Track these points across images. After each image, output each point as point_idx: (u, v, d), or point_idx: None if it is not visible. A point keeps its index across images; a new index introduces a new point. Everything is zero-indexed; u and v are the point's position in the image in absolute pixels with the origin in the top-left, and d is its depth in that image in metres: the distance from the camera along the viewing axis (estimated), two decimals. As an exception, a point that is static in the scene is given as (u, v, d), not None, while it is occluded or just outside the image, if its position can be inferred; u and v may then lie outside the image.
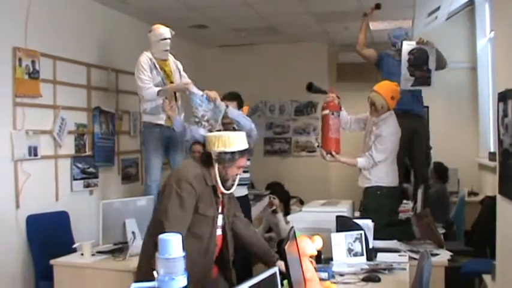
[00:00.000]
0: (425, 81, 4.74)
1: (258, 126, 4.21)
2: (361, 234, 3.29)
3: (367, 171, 4.09)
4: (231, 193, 2.84)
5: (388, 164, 4.10)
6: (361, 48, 5.26)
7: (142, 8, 5.46)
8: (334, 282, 2.81)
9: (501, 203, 3.35)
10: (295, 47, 7.57)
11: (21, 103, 4.14)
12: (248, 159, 3.65)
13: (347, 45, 7.00)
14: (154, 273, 1.56)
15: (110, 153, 5.28)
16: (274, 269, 2.06)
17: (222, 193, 2.75)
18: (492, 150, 6.00)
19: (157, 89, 4.52)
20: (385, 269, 3.03)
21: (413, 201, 4.79)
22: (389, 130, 4.10)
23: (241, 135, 2.76)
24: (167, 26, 4.71)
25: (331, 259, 3.21)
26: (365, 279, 2.88)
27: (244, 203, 4.19)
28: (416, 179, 5.15)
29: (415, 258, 3.23)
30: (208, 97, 4.02)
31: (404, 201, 4.68)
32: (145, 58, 4.59)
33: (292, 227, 2.72)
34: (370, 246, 3.35)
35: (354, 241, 3.28)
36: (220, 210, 2.79)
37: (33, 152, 4.21)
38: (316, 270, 2.69)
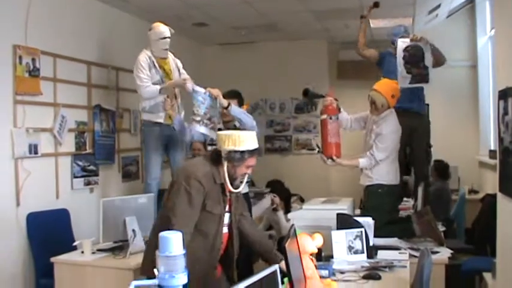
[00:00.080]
0: (423, 78, 4.73)
1: (259, 124, 4.20)
2: (361, 231, 3.29)
3: (369, 170, 4.10)
4: (239, 192, 2.84)
5: (389, 162, 4.10)
6: (361, 49, 5.27)
7: (142, 6, 5.46)
8: (335, 280, 2.81)
9: (501, 201, 3.35)
10: (295, 44, 7.56)
11: (21, 101, 4.14)
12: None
13: (347, 42, 7.00)
14: (155, 270, 1.56)
15: (110, 151, 5.29)
16: (275, 267, 2.07)
17: (230, 192, 2.76)
18: (492, 148, 6.00)
19: (156, 87, 4.52)
20: (385, 267, 3.04)
21: (414, 199, 4.78)
22: (389, 128, 4.10)
23: (252, 135, 2.75)
24: (167, 25, 4.70)
25: (332, 257, 3.21)
26: (365, 277, 2.88)
27: (246, 200, 4.18)
28: (416, 177, 5.15)
29: (415, 256, 3.23)
30: (211, 94, 4.02)
31: (405, 198, 4.67)
32: (144, 56, 4.59)
33: (292, 224, 2.72)
34: (371, 243, 3.35)
35: (355, 239, 3.28)
36: (227, 208, 2.80)
37: (33, 149, 4.21)
38: (317, 267, 2.70)
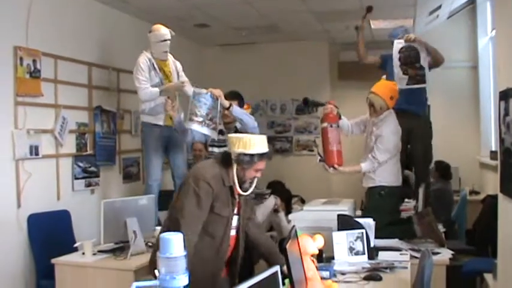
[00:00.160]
0: (420, 79, 4.72)
1: (259, 125, 4.19)
2: (362, 233, 3.29)
3: (372, 172, 4.09)
4: (248, 195, 2.84)
5: (392, 164, 4.10)
6: (364, 59, 5.27)
7: (143, 7, 5.46)
8: (336, 281, 2.81)
9: (502, 201, 3.35)
10: (296, 45, 7.55)
11: (22, 102, 4.14)
12: None
13: (348, 43, 6.99)
14: (156, 272, 1.56)
15: (111, 152, 5.29)
16: (276, 268, 2.07)
17: (239, 194, 2.76)
18: (493, 149, 5.99)
19: (156, 89, 4.52)
20: (386, 268, 3.03)
21: (415, 200, 4.78)
22: (389, 129, 4.10)
23: (263, 138, 2.76)
24: (167, 27, 4.70)
25: (333, 258, 3.21)
26: (366, 278, 2.88)
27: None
28: (416, 178, 5.14)
29: (416, 257, 3.24)
30: (213, 95, 4.02)
31: (406, 200, 4.66)
32: (144, 58, 4.59)
33: (293, 226, 2.72)
34: (372, 244, 3.34)
35: (356, 240, 3.28)
36: (236, 211, 2.80)
37: (34, 151, 4.22)
38: (318, 269, 2.70)
